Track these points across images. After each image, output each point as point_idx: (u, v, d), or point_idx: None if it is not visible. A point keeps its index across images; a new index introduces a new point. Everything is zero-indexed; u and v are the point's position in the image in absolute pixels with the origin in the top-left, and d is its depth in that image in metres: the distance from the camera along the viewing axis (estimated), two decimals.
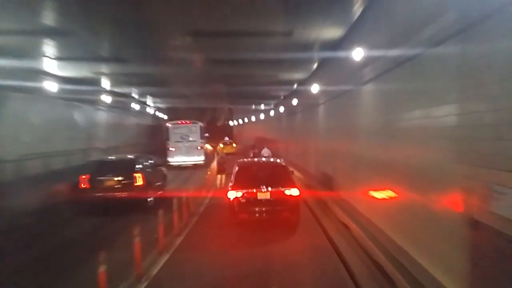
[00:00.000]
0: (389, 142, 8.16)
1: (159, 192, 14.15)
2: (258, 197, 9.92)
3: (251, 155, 20.56)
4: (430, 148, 6.02)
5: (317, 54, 13.33)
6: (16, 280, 7.34)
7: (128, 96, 27.10)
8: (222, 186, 16.22)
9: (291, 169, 11.79)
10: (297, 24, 10.10)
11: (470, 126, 4.87)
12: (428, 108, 6.16)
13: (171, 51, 13.77)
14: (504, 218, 4.03)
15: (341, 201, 11.96)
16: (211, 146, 39.25)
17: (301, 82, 19.77)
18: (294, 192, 10.08)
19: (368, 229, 8.75)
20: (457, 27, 5.09)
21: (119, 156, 15.16)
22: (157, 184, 14.32)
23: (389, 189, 8.12)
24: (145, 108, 36.26)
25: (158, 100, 34.55)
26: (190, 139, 26.33)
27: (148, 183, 12.91)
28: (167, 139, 26.58)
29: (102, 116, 25.00)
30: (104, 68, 17.25)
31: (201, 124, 27.79)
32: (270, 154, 19.95)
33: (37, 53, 13.37)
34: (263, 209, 9.93)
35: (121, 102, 26.27)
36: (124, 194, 12.17)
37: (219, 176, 17.50)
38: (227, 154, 26.68)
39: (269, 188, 9.96)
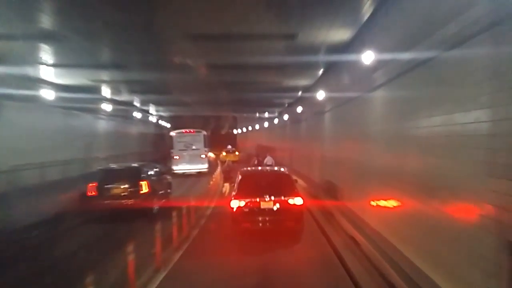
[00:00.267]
0: (403, 151, 7.50)
1: (163, 200, 14.29)
2: (262, 207, 9.82)
3: (255, 162, 20.76)
4: (454, 158, 5.35)
5: (323, 58, 12.69)
6: None
7: (129, 104, 26.68)
8: (227, 194, 15.86)
9: (294, 177, 11.65)
10: (302, 26, 9.49)
11: (504, 134, 4.22)
12: (450, 115, 5.50)
13: (172, 56, 13.26)
14: None
15: (348, 212, 11.39)
16: (215, 154, 39.25)
17: (306, 89, 19.20)
18: (298, 201, 9.96)
19: (384, 250, 8.07)
20: (488, 21, 4.46)
21: (125, 164, 15.23)
22: (162, 191, 14.54)
23: (403, 202, 7.47)
24: (147, 116, 35.84)
25: (161, 108, 34.18)
26: (194, 147, 26.77)
27: (153, 191, 13.19)
28: (172, 147, 27.08)
29: (102, 125, 24.53)
30: (104, 75, 16.80)
31: (204, 133, 28.22)
32: (273, 162, 19.99)
33: (32, 60, 12.91)
34: (266, 218, 9.82)
35: (121, 110, 25.92)
36: (130, 202, 12.44)
37: (225, 184, 17.22)
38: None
39: (272, 197, 9.87)
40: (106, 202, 12.34)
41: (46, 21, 9.41)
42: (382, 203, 8.76)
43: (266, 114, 36.51)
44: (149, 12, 8.85)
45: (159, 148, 40.43)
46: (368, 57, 8.81)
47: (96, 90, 19.35)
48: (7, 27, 9.84)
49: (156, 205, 13.32)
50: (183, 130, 28.09)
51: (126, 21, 9.50)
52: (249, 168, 12.96)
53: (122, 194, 12.59)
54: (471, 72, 4.98)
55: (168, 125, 47.06)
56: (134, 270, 6.38)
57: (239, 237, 10.08)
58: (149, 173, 13.74)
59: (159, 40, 11.23)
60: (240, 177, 10.86)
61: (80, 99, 18.54)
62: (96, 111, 22.77)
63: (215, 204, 14.65)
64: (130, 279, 6.30)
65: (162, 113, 39.31)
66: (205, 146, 27.46)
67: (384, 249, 7.80)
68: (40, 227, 11.54)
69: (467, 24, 4.96)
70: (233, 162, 27.61)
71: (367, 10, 8.59)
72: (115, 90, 20.65)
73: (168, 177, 16.33)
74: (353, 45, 10.55)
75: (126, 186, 12.65)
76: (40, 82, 15.52)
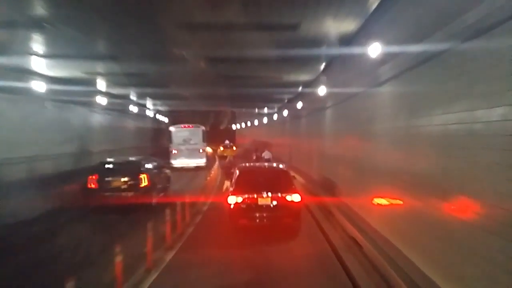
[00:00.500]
0: (412, 150, 6.96)
1: (162, 194, 14.53)
2: (259, 203, 9.80)
3: (254, 157, 21.21)
4: (473, 159, 4.82)
5: (326, 51, 12.06)
6: None
7: (125, 97, 26.05)
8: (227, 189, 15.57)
9: (292, 174, 11.54)
10: (305, 15, 8.85)
11: None
12: (470, 111, 4.95)
13: (167, 47, 12.62)
14: None
15: (348, 210, 10.97)
16: (212, 149, 39.51)
17: (307, 84, 18.63)
18: (296, 198, 9.95)
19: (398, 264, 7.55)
20: None
21: (125, 158, 15.32)
22: (161, 185, 14.80)
23: (409, 203, 6.94)
24: (144, 110, 35.26)
25: (158, 102, 33.58)
26: (192, 142, 27.22)
27: (153, 184, 13.46)
28: (170, 142, 27.52)
29: (96, 119, 23.95)
30: (97, 67, 16.12)
31: (203, 128, 28.62)
32: (271, 156, 20.59)
33: (21, 50, 12.28)
34: (264, 215, 9.81)
35: (117, 104, 25.33)
36: (130, 194, 12.65)
37: (227, 182, 17.02)
38: (226, 156, 27.99)
39: (270, 194, 9.85)
40: (106, 194, 12.55)
41: (35, 8, 8.82)
42: (385, 202, 8.29)
43: (266, 110, 36.04)
44: None
45: (157, 143, 39.97)
46: (375, 49, 8.23)
47: (90, 82, 18.69)
48: None
49: (155, 198, 13.53)
50: (182, 125, 28.43)
51: (119, 9, 8.91)
52: (247, 164, 12.86)
53: (122, 187, 12.78)
54: (496, 63, 4.43)
55: (166, 120, 46.51)
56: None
57: (235, 238, 9.92)
58: (148, 166, 13.96)
59: (154, 29, 10.62)
60: (237, 172, 10.76)
61: (73, 92, 17.94)
62: (90, 104, 22.17)
63: (212, 200, 14.52)
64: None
65: (159, 108, 38.69)
66: (203, 141, 27.82)
67: (397, 261, 7.29)
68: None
69: (492, 10, 4.41)
70: (233, 157, 27.77)
71: None
72: (110, 83, 20.01)
73: (167, 171, 16.49)
74: (358, 36, 9.96)
75: (126, 179, 12.83)
76: (30, 73, 14.90)
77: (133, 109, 29.81)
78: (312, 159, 19.13)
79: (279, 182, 10.26)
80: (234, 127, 61.69)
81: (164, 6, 8.65)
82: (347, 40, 10.43)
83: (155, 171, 14.38)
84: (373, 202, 9.03)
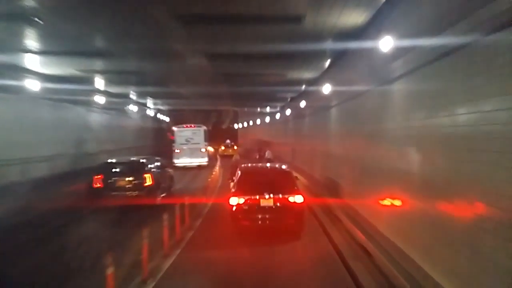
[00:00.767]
0: (431, 152, 6.34)
1: (165, 193, 14.72)
2: (261, 204, 9.67)
3: (257, 157, 21.66)
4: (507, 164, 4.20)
5: (331, 46, 11.34)
6: None
7: (124, 96, 25.50)
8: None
9: (295, 174, 11.31)
10: (310, 6, 8.21)
11: None
12: (504, 111, 4.32)
13: (166, 42, 11.98)
14: None
15: (354, 213, 10.58)
16: (214, 148, 39.31)
17: (311, 82, 18.00)
18: (298, 199, 9.78)
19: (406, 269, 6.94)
20: None
21: (128, 157, 15.62)
22: (165, 184, 15.06)
23: (426, 209, 6.33)
24: (145, 110, 34.74)
25: (159, 101, 33.03)
26: (194, 141, 27.79)
27: (157, 183, 13.70)
28: (171, 142, 28.06)
29: (94, 118, 23.43)
30: (93, 64, 15.50)
31: (204, 127, 29.27)
32: (272, 156, 21.01)
33: (12, 46, 11.71)
34: (266, 216, 9.67)
35: (116, 103, 24.85)
36: (135, 194, 12.95)
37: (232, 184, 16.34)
38: (227, 155, 28.98)
39: (272, 195, 9.70)
40: (112, 194, 12.83)
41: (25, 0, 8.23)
42: (395, 204, 7.84)
43: (268, 109, 35.51)
44: None
45: (158, 142, 39.46)
46: (386, 43, 7.60)
47: (87, 81, 18.10)
48: None
49: (159, 197, 13.77)
50: (184, 125, 29.18)
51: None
52: (249, 165, 12.69)
53: (127, 186, 13.07)
54: None
55: (167, 119, 45.99)
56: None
57: (236, 240, 9.84)
58: (152, 166, 14.21)
59: (152, 22, 9.99)
60: (240, 173, 10.61)
61: (69, 91, 17.40)
62: (87, 104, 21.64)
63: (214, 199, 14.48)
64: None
65: (160, 107, 38.12)
66: (205, 141, 28.34)
67: (405, 266, 6.68)
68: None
69: None
70: (231, 156, 27.41)
71: None
72: (107, 81, 19.41)
73: (170, 170, 16.73)
74: (368, 30, 9.29)
75: (131, 178, 13.11)
76: (23, 71, 14.33)
77: (133, 108, 29.45)
78: (315, 159, 18.73)
79: (281, 183, 10.11)
80: (236, 126, 61.13)
81: None
82: (355, 33, 9.76)
83: (159, 170, 14.63)
84: (381, 203, 8.63)
